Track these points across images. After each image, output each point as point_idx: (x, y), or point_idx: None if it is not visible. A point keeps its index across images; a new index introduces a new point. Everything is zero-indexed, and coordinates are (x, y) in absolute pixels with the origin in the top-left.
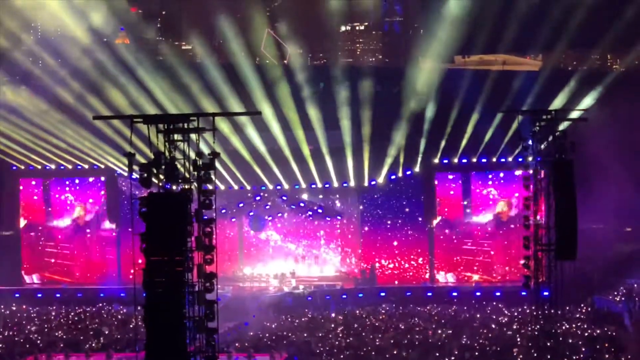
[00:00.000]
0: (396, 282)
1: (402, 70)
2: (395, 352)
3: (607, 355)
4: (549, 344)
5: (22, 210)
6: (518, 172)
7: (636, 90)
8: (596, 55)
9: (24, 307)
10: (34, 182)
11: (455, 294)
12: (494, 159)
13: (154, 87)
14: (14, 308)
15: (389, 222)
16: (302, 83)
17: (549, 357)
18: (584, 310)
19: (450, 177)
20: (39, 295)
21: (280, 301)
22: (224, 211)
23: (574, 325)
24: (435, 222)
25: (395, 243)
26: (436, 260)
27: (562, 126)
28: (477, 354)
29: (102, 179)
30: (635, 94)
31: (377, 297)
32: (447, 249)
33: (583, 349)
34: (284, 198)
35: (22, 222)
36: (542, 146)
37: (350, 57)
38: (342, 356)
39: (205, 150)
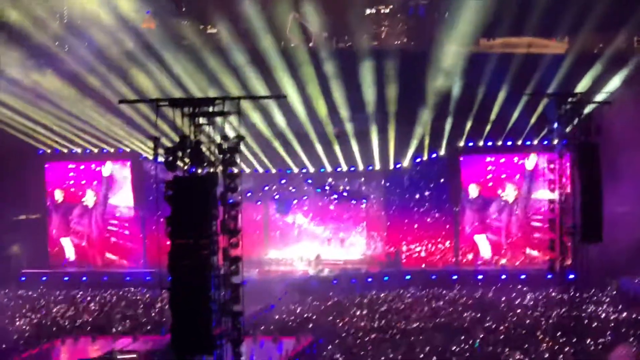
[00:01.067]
0: (424, 266)
1: (427, 54)
2: (420, 336)
3: (632, 339)
4: (574, 327)
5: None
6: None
7: None
8: (622, 37)
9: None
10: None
11: (480, 277)
12: (519, 142)
13: (179, 71)
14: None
15: (414, 205)
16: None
17: (574, 340)
18: (609, 294)
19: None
20: (66, 278)
21: (306, 284)
22: (249, 194)
23: (599, 309)
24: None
25: (420, 226)
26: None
27: (588, 109)
28: (502, 337)
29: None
30: None
31: (403, 280)
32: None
33: (609, 333)
34: (310, 181)
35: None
36: (568, 129)
37: (375, 40)
38: (367, 339)
39: (231, 134)
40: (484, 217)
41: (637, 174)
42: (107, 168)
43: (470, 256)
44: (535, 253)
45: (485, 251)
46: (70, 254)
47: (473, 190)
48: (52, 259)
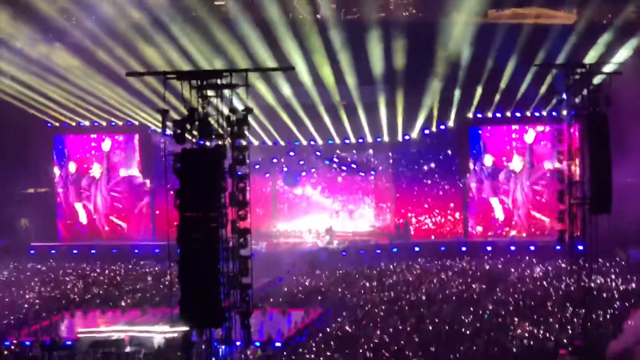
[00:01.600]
0: (433, 237)
1: (436, 25)
2: (429, 307)
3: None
4: (583, 298)
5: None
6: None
7: None
8: (631, 7)
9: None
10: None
11: (489, 248)
12: (528, 113)
13: (187, 44)
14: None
15: (422, 176)
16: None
17: (583, 311)
18: (618, 265)
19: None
20: (75, 251)
21: (315, 256)
22: (257, 167)
23: (608, 279)
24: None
25: (429, 198)
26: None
27: (597, 80)
28: (511, 308)
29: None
30: None
31: (411, 252)
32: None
33: (617, 303)
34: (318, 153)
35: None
36: (576, 100)
37: (384, 12)
38: (376, 311)
39: (239, 106)
40: (495, 184)
41: None
42: (116, 140)
43: (479, 228)
44: (543, 217)
45: (499, 213)
46: (82, 218)
47: (487, 160)
48: (65, 221)
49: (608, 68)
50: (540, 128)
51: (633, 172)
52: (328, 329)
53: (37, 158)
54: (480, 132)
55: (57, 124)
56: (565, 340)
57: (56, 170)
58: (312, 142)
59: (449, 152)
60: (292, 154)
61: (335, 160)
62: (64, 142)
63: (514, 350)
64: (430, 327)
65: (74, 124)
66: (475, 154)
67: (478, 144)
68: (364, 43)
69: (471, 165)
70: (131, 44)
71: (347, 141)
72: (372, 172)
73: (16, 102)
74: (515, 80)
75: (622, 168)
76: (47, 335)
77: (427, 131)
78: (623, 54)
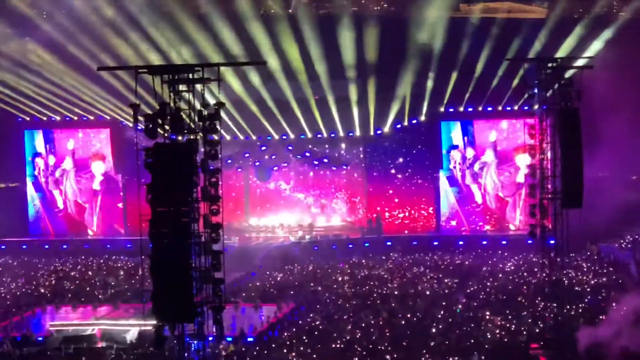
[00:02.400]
0: (406, 232)
1: (408, 19)
2: (401, 302)
3: (613, 303)
4: (554, 292)
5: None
6: None
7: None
8: (602, 1)
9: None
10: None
11: (461, 242)
12: (500, 107)
13: (159, 38)
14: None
15: (395, 171)
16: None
17: (554, 305)
18: (589, 258)
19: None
20: (46, 246)
21: (287, 251)
22: (229, 161)
23: (579, 273)
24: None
25: (401, 192)
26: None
27: (568, 74)
28: (483, 302)
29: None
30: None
31: (384, 246)
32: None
33: (588, 297)
34: (290, 148)
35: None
36: (548, 94)
37: (356, 6)
38: (348, 305)
39: (211, 101)
40: (473, 173)
41: (617, 139)
42: (87, 135)
43: (453, 223)
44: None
45: (479, 198)
46: (60, 204)
47: (467, 152)
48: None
49: (579, 62)
50: (512, 122)
51: (605, 166)
52: (300, 324)
53: (7, 153)
54: (453, 125)
55: (28, 119)
56: (537, 333)
57: (39, 161)
58: (284, 137)
59: (421, 146)
60: (264, 148)
61: (308, 154)
62: (35, 137)
63: (486, 344)
64: (403, 322)
65: (44, 118)
66: (451, 147)
67: (450, 137)
68: (335, 37)
69: (446, 157)
70: (102, 38)
71: (319, 136)
72: (345, 167)
73: None
74: (486, 75)
75: (594, 162)
76: (18, 331)
77: (399, 125)
78: (594, 48)
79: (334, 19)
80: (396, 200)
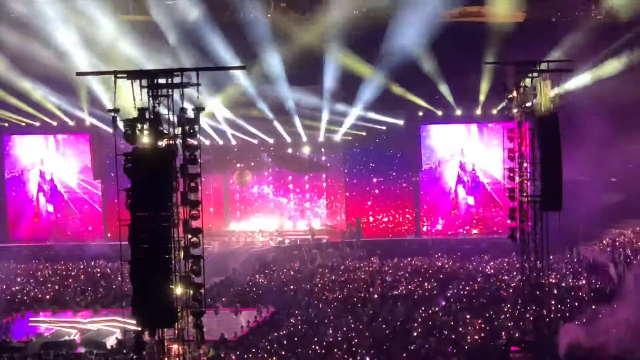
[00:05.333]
0: (390, 236)
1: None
2: (382, 305)
3: (592, 306)
4: (534, 294)
5: None
6: None
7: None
8: (580, 5)
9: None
10: None
11: (442, 246)
12: (479, 111)
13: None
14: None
15: (374, 175)
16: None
17: (534, 307)
18: (569, 261)
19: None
20: (26, 252)
21: (267, 255)
22: (209, 166)
23: (559, 276)
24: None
25: (381, 196)
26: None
27: (547, 77)
28: (463, 305)
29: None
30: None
31: (364, 250)
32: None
33: (568, 300)
34: (269, 153)
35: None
36: (527, 98)
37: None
38: (328, 309)
39: (190, 106)
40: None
41: (596, 141)
42: (66, 140)
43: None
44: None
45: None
46: (43, 208)
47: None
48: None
49: (558, 65)
50: (490, 126)
51: (584, 169)
52: (280, 328)
53: None
54: (430, 129)
55: (7, 124)
56: (516, 336)
57: (17, 165)
58: (264, 141)
59: (401, 150)
60: (243, 153)
61: (288, 159)
62: (14, 142)
63: (466, 347)
64: (383, 325)
65: (23, 124)
66: (430, 151)
67: (430, 141)
68: (317, 41)
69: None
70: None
71: (298, 140)
72: (325, 171)
73: None
74: (465, 79)
75: (573, 165)
76: None
77: (378, 129)
78: (572, 51)
79: (315, 23)
80: (377, 204)
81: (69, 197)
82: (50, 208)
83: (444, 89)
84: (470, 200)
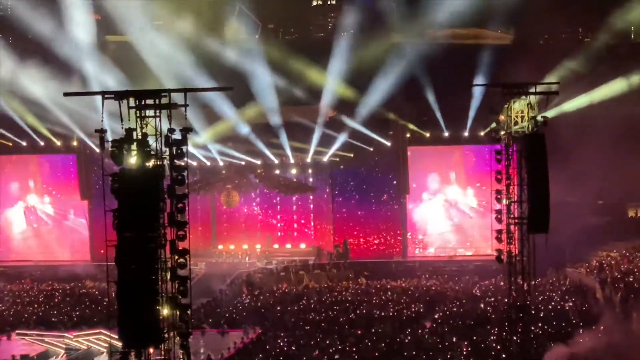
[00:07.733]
0: (378, 258)
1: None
2: (369, 327)
3: (579, 328)
4: (521, 316)
5: None
6: None
7: (607, 63)
8: (568, 29)
9: None
10: None
11: (429, 268)
12: (466, 133)
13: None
14: None
15: (362, 196)
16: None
17: (520, 329)
18: (555, 283)
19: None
20: (12, 272)
21: (254, 276)
22: (197, 187)
23: (546, 298)
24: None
25: (368, 217)
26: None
27: (534, 100)
28: (450, 327)
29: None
30: (606, 66)
31: (351, 271)
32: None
33: (554, 322)
34: (258, 172)
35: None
36: (514, 120)
37: (322, 32)
38: (315, 331)
39: (177, 126)
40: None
41: (583, 164)
42: (54, 161)
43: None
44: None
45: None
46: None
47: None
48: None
49: (545, 88)
50: (477, 148)
51: (571, 191)
52: (267, 349)
53: None
54: (418, 151)
55: None
56: (504, 358)
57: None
58: (251, 162)
59: (388, 171)
60: (230, 173)
61: (276, 180)
62: (1, 162)
63: None
64: (370, 346)
65: (10, 144)
66: (420, 173)
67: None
68: (303, 63)
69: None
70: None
71: (286, 161)
72: (312, 192)
73: None
74: (453, 100)
75: (560, 187)
76: None
77: (366, 151)
78: (560, 74)
79: (300, 44)
80: (363, 225)
81: (55, 216)
82: (36, 227)
83: (433, 110)
84: (457, 222)
